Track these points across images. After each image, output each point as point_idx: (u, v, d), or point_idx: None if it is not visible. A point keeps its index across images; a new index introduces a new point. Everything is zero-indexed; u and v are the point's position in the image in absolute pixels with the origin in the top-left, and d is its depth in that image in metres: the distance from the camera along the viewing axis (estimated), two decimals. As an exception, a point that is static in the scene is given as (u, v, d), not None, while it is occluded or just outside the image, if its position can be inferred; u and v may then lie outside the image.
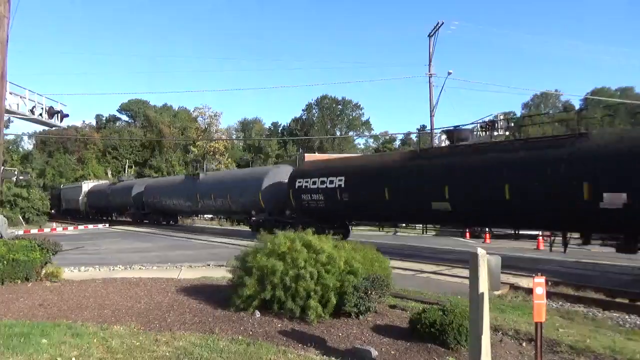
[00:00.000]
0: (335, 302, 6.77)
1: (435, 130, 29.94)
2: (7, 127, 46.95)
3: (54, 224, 34.56)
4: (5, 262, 9.30)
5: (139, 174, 68.11)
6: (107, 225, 35.90)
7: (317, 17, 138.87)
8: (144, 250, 18.46)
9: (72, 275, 11.15)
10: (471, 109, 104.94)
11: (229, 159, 67.20)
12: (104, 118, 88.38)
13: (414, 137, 75.85)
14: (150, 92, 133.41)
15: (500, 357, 5.50)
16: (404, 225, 26.57)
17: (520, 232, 15.30)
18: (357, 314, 6.83)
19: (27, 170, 58.49)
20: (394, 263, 11.52)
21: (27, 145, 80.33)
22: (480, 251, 4.53)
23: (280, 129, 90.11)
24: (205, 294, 8.40)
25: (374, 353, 5.43)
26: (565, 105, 76.78)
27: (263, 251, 7.41)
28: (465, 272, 9.30)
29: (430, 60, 30.12)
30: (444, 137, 31.71)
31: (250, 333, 6.24)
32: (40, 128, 37.19)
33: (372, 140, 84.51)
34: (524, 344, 5.97)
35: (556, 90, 71.60)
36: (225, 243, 21.11)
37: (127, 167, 71.66)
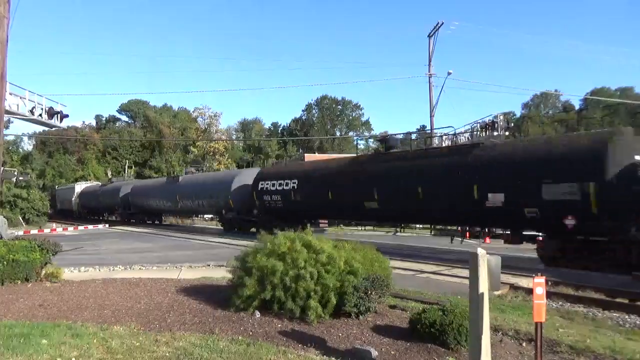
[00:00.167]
0: (335, 302, 6.77)
1: (408, 134, 29.86)
2: (7, 127, 46.99)
3: (54, 225, 34.54)
4: (5, 262, 9.30)
5: (139, 174, 68.13)
6: (106, 225, 35.91)
7: (317, 17, 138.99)
8: (144, 251, 18.46)
9: (72, 276, 11.15)
10: (471, 109, 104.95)
11: (229, 159, 67.19)
12: (103, 118, 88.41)
13: (413, 137, 75.90)
14: (150, 93, 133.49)
15: (500, 357, 5.50)
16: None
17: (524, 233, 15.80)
18: (357, 314, 6.83)
19: (27, 171, 58.46)
20: (394, 263, 11.53)
21: (27, 145, 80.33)
22: (480, 251, 4.53)
23: (280, 129, 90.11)
24: (205, 294, 8.40)
25: (374, 353, 5.43)
26: (565, 105, 76.84)
27: (263, 251, 7.41)
28: (465, 272, 9.30)
29: (430, 61, 30.14)
30: (444, 137, 31.76)
31: (250, 333, 6.24)
32: (40, 128, 37.54)
33: (372, 140, 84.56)
34: (524, 344, 5.97)
35: (556, 91, 71.64)
36: (225, 243, 21.10)
37: (127, 167, 71.67)
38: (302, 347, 5.72)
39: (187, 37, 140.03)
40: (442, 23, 29.45)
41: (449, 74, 29.52)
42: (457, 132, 20.21)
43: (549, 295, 8.79)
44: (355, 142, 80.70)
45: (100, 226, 35.47)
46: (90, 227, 34.56)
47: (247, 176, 26.95)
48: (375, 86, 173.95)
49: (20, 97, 20.19)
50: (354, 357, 5.46)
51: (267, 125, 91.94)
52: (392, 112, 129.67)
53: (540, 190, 13.17)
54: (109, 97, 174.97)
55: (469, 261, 4.62)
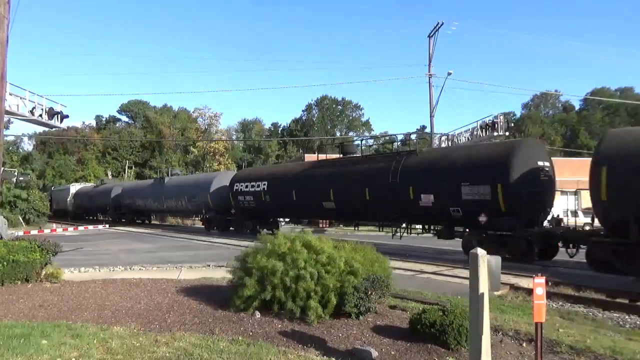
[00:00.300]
0: (335, 302, 6.76)
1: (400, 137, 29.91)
2: (7, 128, 46.96)
3: (54, 225, 34.54)
4: (5, 263, 9.30)
5: (139, 174, 68.12)
6: (106, 226, 35.92)
7: (317, 18, 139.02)
8: (144, 251, 18.47)
9: (72, 276, 11.15)
10: (471, 109, 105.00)
11: (229, 160, 67.20)
12: (103, 119, 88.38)
13: (413, 137, 75.98)
14: (150, 93, 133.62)
15: (501, 357, 5.50)
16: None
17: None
18: (357, 314, 6.83)
19: (27, 171, 58.45)
20: (394, 263, 11.53)
21: (27, 146, 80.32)
22: (480, 251, 4.53)
23: (280, 129, 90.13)
24: (205, 294, 8.40)
25: (374, 354, 5.42)
26: (565, 105, 76.86)
27: (263, 252, 7.41)
28: (466, 273, 9.30)
29: (430, 61, 30.13)
30: (443, 137, 31.81)
31: (251, 334, 6.24)
32: (40, 129, 37.80)
33: (372, 140, 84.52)
34: (524, 345, 5.97)
35: (556, 91, 71.62)
36: (225, 244, 21.11)
37: (127, 167, 71.68)
38: (302, 348, 5.71)
39: (187, 38, 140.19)
40: (442, 23, 29.45)
41: (449, 74, 29.53)
42: (455, 132, 20.46)
43: (549, 295, 8.79)
44: (354, 142, 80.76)
45: (100, 226, 35.48)
46: (90, 227, 34.58)
47: (224, 178, 29.00)
48: (376, 86, 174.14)
49: (21, 98, 20.22)
50: (354, 357, 5.46)
51: (267, 125, 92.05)
52: (392, 113, 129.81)
53: (461, 192, 15.24)
54: (109, 98, 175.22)
55: (469, 261, 4.62)
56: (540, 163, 14.71)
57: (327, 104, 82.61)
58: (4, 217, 15.53)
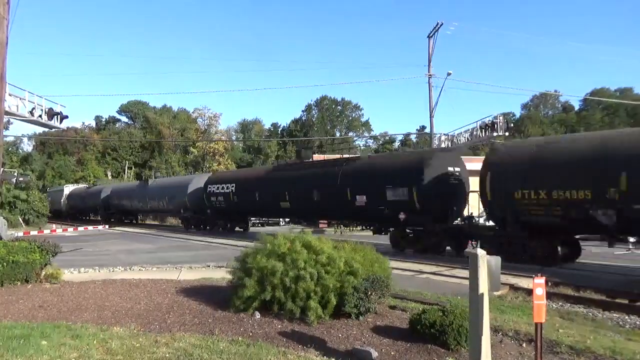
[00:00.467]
0: (335, 303, 6.77)
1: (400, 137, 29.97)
2: (6, 128, 46.99)
3: (54, 226, 34.53)
4: (5, 263, 9.30)
5: (139, 175, 68.11)
6: (106, 226, 35.94)
7: (317, 18, 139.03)
8: (144, 251, 18.46)
9: (72, 277, 11.15)
10: (471, 109, 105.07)
11: (229, 160, 67.18)
12: (103, 119, 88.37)
13: (413, 137, 75.93)
14: (150, 94, 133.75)
15: (501, 357, 5.50)
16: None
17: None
18: (357, 314, 6.83)
19: (26, 172, 58.44)
20: (394, 264, 11.52)
21: (27, 146, 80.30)
22: (480, 252, 4.53)
23: (280, 129, 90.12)
24: (205, 295, 8.40)
25: (374, 354, 5.42)
26: (564, 105, 76.87)
27: (263, 252, 7.41)
28: (465, 273, 9.29)
29: (429, 61, 30.12)
30: (443, 137, 31.81)
31: (250, 334, 6.24)
32: (39, 129, 37.92)
33: (372, 141, 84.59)
34: (524, 345, 5.97)
35: (555, 91, 71.61)
36: (225, 244, 21.11)
37: (126, 168, 71.66)
38: (302, 348, 5.71)
39: (187, 38, 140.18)
40: (442, 24, 29.45)
41: (449, 74, 29.50)
42: (455, 133, 20.87)
43: (549, 295, 8.79)
44: (355, 142, 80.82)
45: (100, 227, 35.49)
46: (90, 227, 34.58)
47: (200, 181, 31.18)
48: (375, 87, 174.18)
49: (20, 98, 20.21)
50: (354, 357, 5.46)
51: (267, 125, 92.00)
52: (392, 113, 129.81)
53: (386, 193, 17.50)
54: (109, 98, 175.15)
55: (469, 262, 4.62)
56: (450, 169, 17.06)
57: (327, 104, 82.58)
58: (4, 218, 15.53)
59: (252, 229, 32.52)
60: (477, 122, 29.52)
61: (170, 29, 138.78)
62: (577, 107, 74.47)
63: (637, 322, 7.66)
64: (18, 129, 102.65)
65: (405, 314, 7.17)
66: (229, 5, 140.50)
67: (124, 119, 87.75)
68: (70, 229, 32.81)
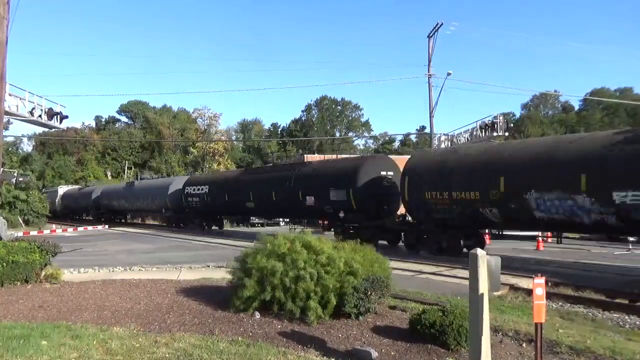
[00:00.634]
0: (335, 303, 6.76)
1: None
2: (6, 128, 47.01)
3: (53, 226, 34.51)
4: (4, 264, 9.29)
5: (139, 175, 68.05)
6: (106, 226, 35.95)
7: (317, 18, 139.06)
8: (144, 252, 18.46)
9: (72, 277, 11.14)
10: (471, 109, 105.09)
11: (228, 160, 67.19)
12: (103, 119, 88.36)
13: (413, 137, 75.91)
14: (150, 94, 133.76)
15: (501, 357, 5.50)
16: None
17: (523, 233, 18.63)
18: (357, 315, 6.82)
19: (26, 172, 58.44)
20: (394, 264, 11.53)
21: (27, 147, 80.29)
22: (480, 252, 4.52)
23: (279, 130, 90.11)
24: (204, 295, 8.40)
25: (374, 354, 5.42)
26: (564, 105, 76.85)
27: (263, 252, 7.40)
28: (465, 273, 9.30)
29: (429, 61, 30.10)
30: (443, 137, 31.80)
31: (250, 334, 6.24)
32: (39, 129, 38.05)
33: (371, 141, 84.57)
34: (524, 345, 5.97)
35: (555, 91, 71.59)
36: (225, 244, 21.11)
37: (126, 168, 71.66)
38: (302, 348, 5.71)
39: (187, 38, 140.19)
40: (442, 24, 29.43)
41: (449, 74, 29.48)
42: (455, 133, 21.10)
43: (549, 296, 8.79)
44: (355, 143, 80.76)
45: (100, 227, 35.48)
46: (90, 227, 34.57)
47: (179, 183, 33.73)
48: (375, 87, 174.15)
49: (20, 98, 20.19)
50: (354, 358, 5.46)
51: (267, 126, 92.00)
52: (392, 113, 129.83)
53: (329, 194, 20.02)
54: (109, 98, 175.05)
55: (469, 262, 4.62)
56: (383, 173, 19.39)
57: (327, 104, 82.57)
58: (4, 218, 15.52)
59: (251, 229, 33.65)
60: (477, 122, 29.52)
61: (170, 29, 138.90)
62: (577, 107, 74.48)
63: (637, 322, 7.66)
64: (18, 129, 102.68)
65: (405, 314, 7.16)
66: (229, 5, 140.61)
67: (124, 119, 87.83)
68: (70, 229, 32.81)
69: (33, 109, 20.57)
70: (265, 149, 77.14)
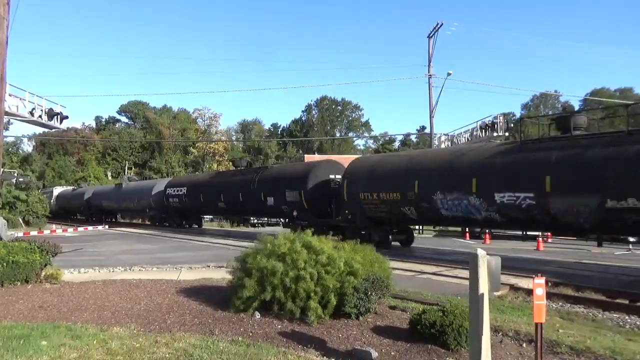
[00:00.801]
0: (335, 303, 6.76)
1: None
2: (6, 129, 47.09)
3: (54, 226, 34.50)
4: (4, 264, 9.29)
5: (139, 175, 68.06)
6: (106, 227, 35.95)
7: (317, 18, 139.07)
8: (144, 252, 18.45)
9: (72, 277, 11.14)
10: (471, 109, 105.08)
11: (229, 160, 67.19)
12: (103, 120, 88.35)
13: (413, 137, 75.90)
14: (150, 94, 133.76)
15: (501, 358, 5.50)
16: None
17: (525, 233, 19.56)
18: (357, 315, 6.82)
19: (26, 172, 58.46)
20: (394, 264, 11.51)
21: (27, 147, 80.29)
22: (480, 252, 4.52)
23: (280, 130, 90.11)
24: (205, 295, 8.40)
25: (374, 354, 5.42)
26: (564, 106, 76.81)
27: (263, 252, 7.40)
28: (465, 273, 9.30)
29: (429, 62, 30.15)
30: (443, 138, 31.81)
31: (250, 334, 6.24)
32: (39, 130, 38.27)
33: (371, 141, 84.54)
34: (524, 345, 5.97)
35: (555, 91, 71.60)
36: (225, 244, 21.11)
37: (126, 168, 71.64)
38: (302, 348, 5.71)
39: (187, 39, 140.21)
40: (442, 24, 29.50)
41: (449, 74, 29.55)
42: (455, 133, 21.05)
43: (549, 296, 8.78)
44: (355, 143, 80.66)
45: (100, 227, 35.47)
46: (90, 228, 34.56)
47: (162, 185, 36.04)
48: (375, 87, 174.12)
49: (20, 99, 20.22)
50: (354, 358, 5.46)
51: (267, 126, 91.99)
52: (392, 113, 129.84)
53: (286, 195, 22.30)
54: (109, 99, 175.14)
55: (469, 262, 4.62)
56: (331, 176, 21.37)
57: (327, 104, 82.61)
58: (4, 219, 15.52)
59: (251, 229, 34.27)
60: (477, 122, 29.54)
61: (171, 29, 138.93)
62: (577, 107, 74.44)
63: (637, 322, 7.65)
64: (18, 130, 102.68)
65: (405, 314, 7.16)
66: (229, 5, 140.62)
67: (124, 119, 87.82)
68: (70, 230, 32.79)
69: (33, 109, 20.59)
70: (266, 149, 77.13)
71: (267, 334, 6.24)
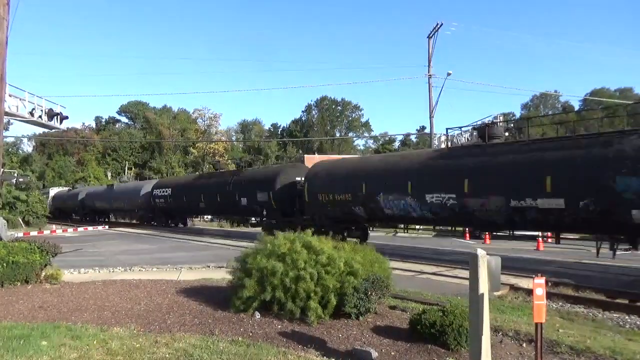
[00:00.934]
0: (335, 303, 6.76)
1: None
2: (6, 129, 47.11)
3: (54, 226, 34.49)
4: (5, 264, 9.29)
5: (139, 175, 68.07)
6: (106, 227, 35.99)
7: (317, 18, 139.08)
8: (144, 252, 18.45)
9: (72, 277, 11.14)
10: (471, 109, 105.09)
11: (229, 161, 67.18)
12: (103, 120, 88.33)
13: (413, 137, 75.87)
14: (150, 94, 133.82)
15: (501, 357, 5.50)
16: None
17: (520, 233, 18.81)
18: (357, 315, 6.82)
19: (26, 172, 58.48)
20: (394, 264, 11.52)
21: (27, 147, 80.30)
22: (480, 252, 4.52)
23: (280, 130, 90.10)
24: (205, 295, 8.40)
25: (374, 354, 5.42)
26: (564, 106, 76.83)
27: (263, 252, 7.40)
28: (466, 273, 9.29)
29: (429, 62, 30.13)
30: (443, 138, 31.77)
31: (250, 334, 6.24)
32: (39, 130, 38.32)
33: (371, 141, 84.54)
34: (524, 345, 5.97)
35: (555, 91, 71.62)
36: (225, 245, 21.11)
37: (127, 168, 71.64)
38: (302, 348, 5.71)
39: (187, 39, 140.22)
40: (442, 24, 29.47)
41: (449, 74, 29.51)
42: (455, 133, 20.93)
43: (549, 296, 8.79)
44: (355, 143, 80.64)
45: (100, 227, 35.48)
46: (90, 228, 34.56)
47: (149, 186, 37.43)
48: (375, 87, 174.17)
49: (20, 99, 20.18)
50: (354, 358, 5.46)
51: (267, 126, 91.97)
52: (392, 113, 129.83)
53: (257, 196, 23.76)
54: (109, 99, 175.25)
55: (469, 262, 4.62)
56: (297, 179, 22.29)
57: (327, 104, 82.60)
58: (4, 219, 15.51)
59: (250, 229, 34.08)
60: (477, 122, 29.48)
61: (171, 29, 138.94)
62: (577, 107, 74.45)
63: (637, 322, 7.66)
64: (18, 130, 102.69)
65: (405, 314, 7.16)
66: (229, 5, 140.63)
67: (124, 119, 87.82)
68: (70, 230, 32.78)
69: (33, 109, 20.55)
70: (265, 149, 77.13)
71: (267, 334, 6.24)
